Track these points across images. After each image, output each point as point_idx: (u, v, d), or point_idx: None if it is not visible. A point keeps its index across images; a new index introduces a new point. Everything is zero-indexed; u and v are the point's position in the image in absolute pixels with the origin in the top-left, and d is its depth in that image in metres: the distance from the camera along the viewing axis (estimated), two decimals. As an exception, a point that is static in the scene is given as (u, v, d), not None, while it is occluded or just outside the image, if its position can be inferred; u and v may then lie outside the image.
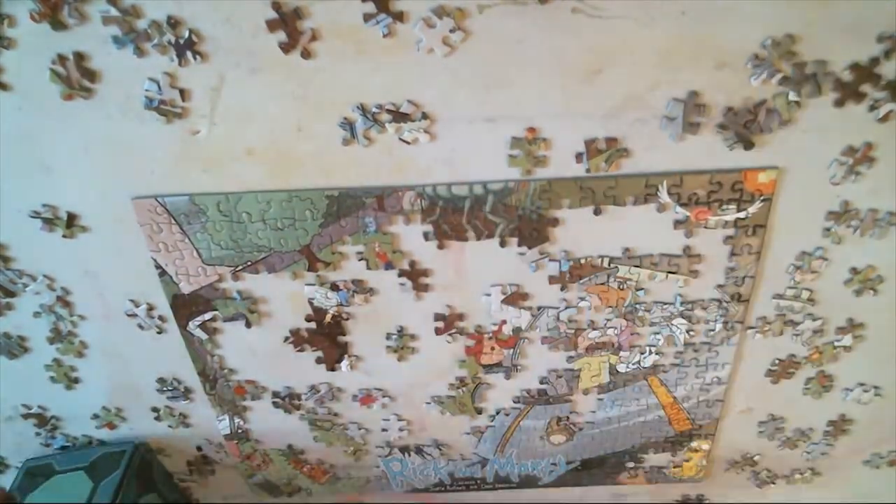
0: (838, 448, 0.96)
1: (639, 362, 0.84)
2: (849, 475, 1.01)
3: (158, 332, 0.81)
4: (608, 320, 0.79)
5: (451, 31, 0.58)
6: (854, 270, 0.75)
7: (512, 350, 0.83)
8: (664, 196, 0.68)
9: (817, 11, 0.57)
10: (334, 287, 0.77)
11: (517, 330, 0.80)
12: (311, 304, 0.78)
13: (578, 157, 0.66)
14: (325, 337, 0.82)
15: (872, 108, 0.62)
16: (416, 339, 0.82)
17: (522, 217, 0.70)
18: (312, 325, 0.80)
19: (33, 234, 0.72)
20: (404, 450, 0.97)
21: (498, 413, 0.91)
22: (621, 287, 0.76)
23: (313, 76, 0.61)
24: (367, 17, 0.58)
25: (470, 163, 0.67)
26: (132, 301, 0.79)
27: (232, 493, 1.06)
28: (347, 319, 0.80)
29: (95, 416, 0.92)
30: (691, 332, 0.80)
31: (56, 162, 0.68)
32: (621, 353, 0.83)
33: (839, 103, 0.62)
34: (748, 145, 0.65)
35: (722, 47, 0.59)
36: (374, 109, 0.63)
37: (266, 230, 0.72)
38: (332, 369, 0.85)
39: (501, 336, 0.81)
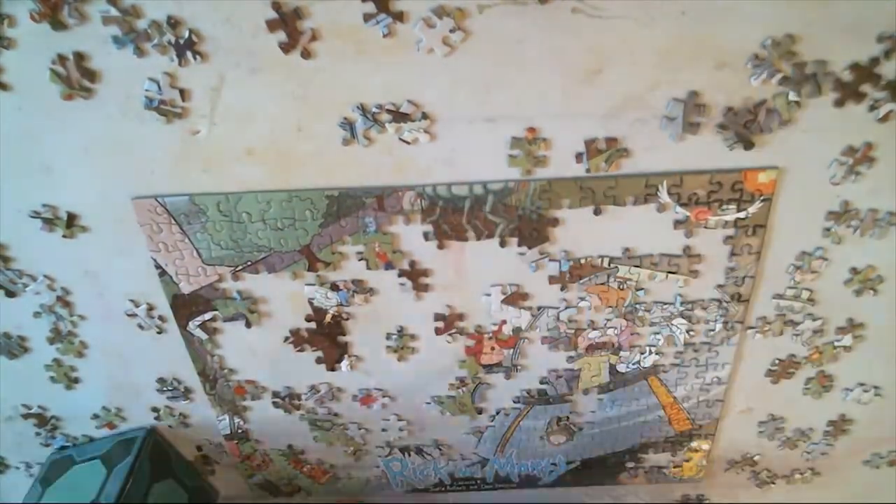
0: (838, 448, 0.96)
1: (639, 362, 0.84)
2: (849, 475, 1.01)
3: (158, 332, 0.81)
4: (608, 320, 0.79)
5: (451, 31, 0.58)
6: (854, 270, 0.75)
7: (512, 350, 0.83)
8: (664, 196, 0.68)
9: (817, 11, 0.57)
10: (334, 287, 0.77)
11: (517, 330, 0.80)
12: (311, 304, 0.78)
13: (578, 157, 0.66)
14: (325, 337, 0.82)
15: (872, 108, 0.62)
16: (416, 339, 0.82)
17: (522, 217, 0.70)
18: (312, 325, 0.80)
19: (33, 234, 0.72)
20: (404, 450, 0.97)
21: (498, 413, 0.91)
22: (621, 287, 0.76)
23: (313, 76, 0.61)
24: (367, 17, 0.58)
25: (470, 163, 0.67)
26: (132, 301, 0.79)
27: (232, 493, 1.06)
28: (347, 319, 0.80)
29: (95, 416, 0.92)
30: (691, 332, 0.80)
31: (56, 162, 0.68)
32: (621, 353, 0.83)
33: (839, 103, 0.62)
34: (748, 145, 0.65)
35: (722, 47, 0.59)
36: (374, 109, 0.63)
37: (266, 230, 0.72)
38: (332, 369, 0.85)
39: (501, 336, 0.81)
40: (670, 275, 0.75)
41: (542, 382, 0.87)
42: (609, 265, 0.74)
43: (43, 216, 0.71)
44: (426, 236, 0.72)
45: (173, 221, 0.71)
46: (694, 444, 0.96)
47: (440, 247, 0.72)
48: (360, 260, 0.74)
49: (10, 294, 0.78)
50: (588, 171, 0.67)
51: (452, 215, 0.70)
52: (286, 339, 0.82)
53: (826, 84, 0.61)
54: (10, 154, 0.67)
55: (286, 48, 0.59)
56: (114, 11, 0.58)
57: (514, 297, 0.77)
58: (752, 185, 0.67)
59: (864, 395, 0.88)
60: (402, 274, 0.75)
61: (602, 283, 0.76)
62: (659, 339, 0.81)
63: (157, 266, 0.75)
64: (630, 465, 0.99)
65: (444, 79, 0.61)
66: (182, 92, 0.63)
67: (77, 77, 0.61)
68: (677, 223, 0.70)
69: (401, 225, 0.71)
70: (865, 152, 0.65)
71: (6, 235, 0.73)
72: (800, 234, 0.72)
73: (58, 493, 0.87)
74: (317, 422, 0.92)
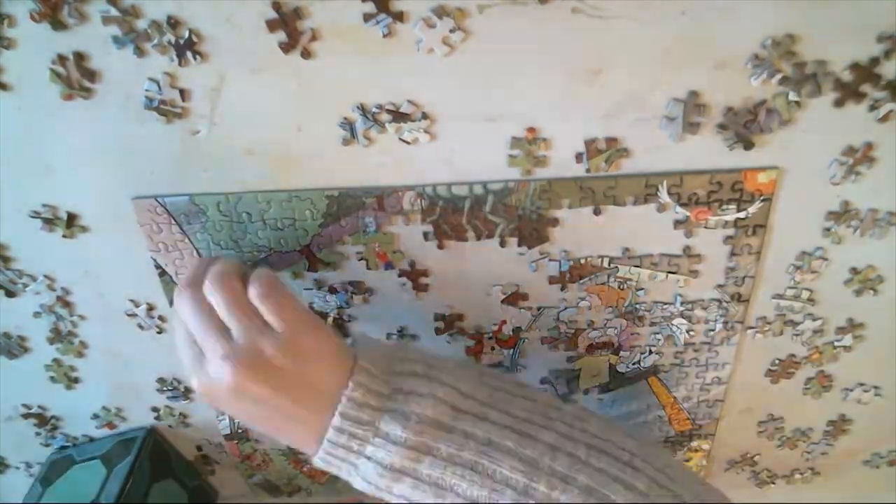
0: (838, 448, 0.96)
1: (639, 362, 0.84)
2: (849, 475, 1.01)
3: (158, 332, 0.81)
4: (608, 320, 0.79)
5: (451, 31, 0.58)
6: (854, 270, 0.75)
7: (512, 350, 0.83)
8: (664, 196, 0.68)
9: (817, 11, 0.57)
10: (332, 290, 0.77)
11: (517, 330, 0.80)
12: (311, 307, 0.78)
13: (578, 157, 0.66)
14: (327, 338, 0.82)
15: (872, 108, 0.62)
16: (416, 339, 0.82)
17: (522, 217, 0.70)
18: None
19: (33, 234, 0.72)
20: (404, 450, 0.97)
21: (498, 413, 0.91)
22: (621, 287, 0.76)
23: (313, 76, 0.61)
24: (367, 17, 0.58)
25: (470, 163, 0.67)
26: (132, 301, 0.79)
27: (232, 493, 1.06)
28: (350, 321, 0.80)
29: (95, 416, 0.92)
30: (691, 332, 0.80)
31: (56, 162, 0.68)
32: (621, 353, 0.83)
33: (839, 103, 0.62)
34: (748, 145, 0.65)
35: (722, 47, 0.59)
36: (374, 109, 0.63)
37: (266, 230, 0.72)
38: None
39: (501, 336, 0.81)
40: (670, 275, 0.75)
41: (542, 382, 0.87)
42: (609, 265, 0.74)
43: (43, 216, 0.71)
44: (426, 236, 0.72)
45: (173, 221, 0.71)
46: (694, 444, 0.96)
47: (440, 247, 0.72)
48: (360, 260, 0.74)
49: (10, 294, 0.78)
50: (588, 171, 0.67)
51: (452, 215, 0.70)
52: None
53: (826, 84, 0.61)
54: (10, 154, 0.67)
55: (286, 48, 0.59)
56: (114, 11, 0.58)
57: (514, 297, 0.77)
58: (752, 185, 0.67)
59: (864, 395, 0.88)
60: (402, 274, 0.75)
61: (602, 283, 0.76)
62: (659, 339, 0.81)
63: (157, 266, 0.75)
64: (630, 465, 0.99)
65: (444, 79, 0.61)
66: (182, 92, 0.63)
67: (77, 77, 0.61)
68: (677, 223, 0.70)
69: (401, 225, 0.71)
70: (865, 152, 0.65)
71: (6, 235, 0.73)
72: (800, 234, 0.72)
73: (58, 493, 0.87)
74: (317, 422, 0.92)
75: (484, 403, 0.57)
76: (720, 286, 0.76)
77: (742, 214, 0.69)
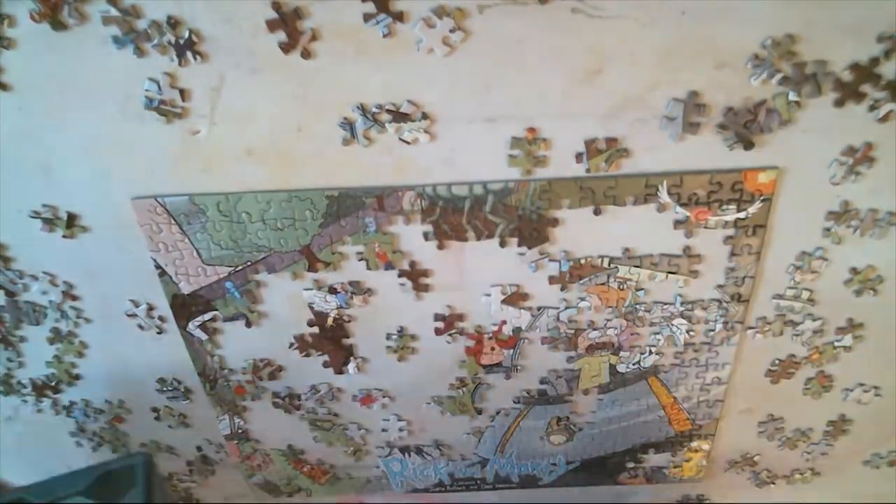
0: (838, 448, 0.96)
1: (639, 362, 0.84)
2: (849, 475, 1.01)
3: (158, 332, 0.81)
4: (608, 320, 0.79)
5: (451, 31, 0.58)
6: (854, 270, 0.74)
7: (512, 350, 0.83)
8: (664, 196, 0.68)
9: (817, 11, 0.57)
10: (332, 290, 0.77)
11: (517, 330, 0.80)
12: (311, 308, 0.78)
13: (578, 157, 0.66)
14: (330, 341, 0.81)
15: (872, 108, 0.62)
16: (417, 339, 0.82)
17: (522, 217, 0.70)
18: (315, 329, 0.80)
19: (33, 234, 0.72)
20: (404, 450, 0.97)
21: (498, 413, 0.91)
22: (621, 287, 0.76)
23: (313, 76, 0.61)
24: (367, 17, 0.58)
25: (470, 163, 0.67)
26: (132, 301, 0.79)
27: (232, 493, 1.06)
28: (349, 322, 0.80)
29: (100, 412, 0.92)
30: (691, 333, 0.80)
31: (56, 162, 0.68)
32: (621, 353, 0.83)
33: (839, 103, 0.62)
34: (748, 145, 0.65)
35: (722, 47, 0.59)
36: (374, 109, 0.63)
37: (266, 230, 0.72)
38: (340, 372, 0.85)
39: (501, 336, 0.81)
40: (670, 275, 0.75)
41: (542, 382, 0.87)
42: (609, 265, 0.74)
43: (43, 216, 0.71)
44: (426, 236, 0.72)
45: (173, 221, 0.71)
46: (694, 444, 0.96)
47: (440, 247, 0.72)
48: (360, 260, 0.74)
49: (11, 294, 0.78)
50: (588, 171, 0.67)
51: (452, 215, 0.70)
52: (291, 345, 0.82)
53: (826, 84, 0.61)
54: (10, 154, 0.67)
55: (286, 48, 0.59)
56: (114, 11, 0.58)
57: (514, 298, 0.77)
58: (752, 185, 0.67)
59: (864, 395, 0.88)
60: (402, 274, 0.75)
61: (602, 284, 0.76)
62: (659, 340, 0.81)
63: (157, 266, 0.75)
64: (630, 465, 0.99)
65: (444, 79, 0.61)
66: (182, 92, 0.62)
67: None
68: (677, 223, 0.70)
69: (401, 225, 0.71)
70: (865, 152, 0.65)
71: (6, 235, 0.73)
72: (800, 234, 0.72)
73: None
74: (317, 422, 0.92)
75: None
76: (720, 286, 0.76)
77: (742, 214, 0.69)
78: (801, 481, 1.02)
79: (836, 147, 0.65)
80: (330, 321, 0.80)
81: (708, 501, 1.08)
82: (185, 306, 0.78)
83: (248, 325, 0.80)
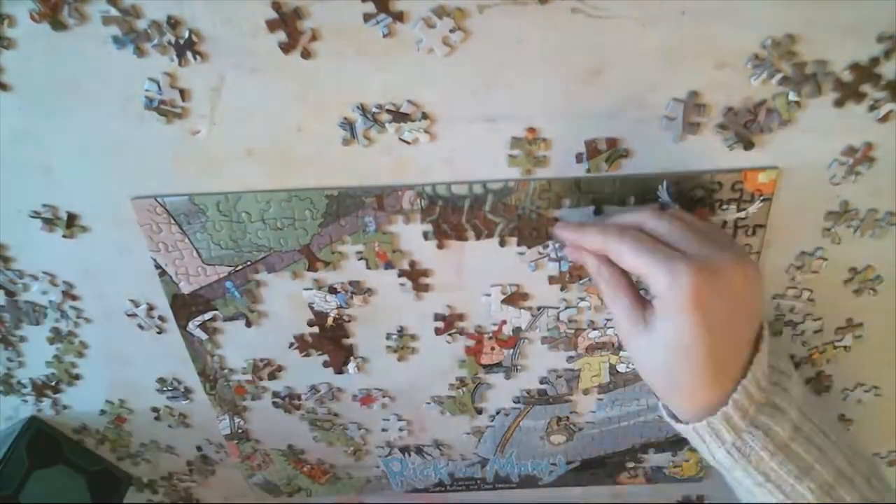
0: (838, 448, 0.96)
1: (639, 362, 0.84)
2: (849, 475, 1.01)
3: (158, 332, 0.81)
4: (608, 320, 0.79)
5: (451, 31, 0.58)
6: (854, 270, 0.75)
7: (512, 350, 0.83)
8: (664, 196, 0.68)
9: (817, 11, 0.57)
10: (332, 290, 0.77)
11: (517, 330, 0.80)
12: (311, 308, 0.78)
13: (578, 157, 0.66)
14: (330, 341, 0.82)
15: (872, 108, 0.62)
16: (416, 339, 0.82)
17: (522, 217, 0.70)
18: (315, 329, 0.80)
19: (33, 234, 0.72)
20: (404, 450, 0.97)
21: (498, 413, 0.91)
22: (621, 287, 0.76)
23: (313, 76, 0.61)
24: (367, 17, 0.58)
25: (470, 163, 0.67)
26: (132, 301, 0.79)
27: (232, 493, 1.06)
28: (349, 321, 0.80)
29: (102, 413, 0.92)
30: (691, 332, 0.80)
31: (56, 162, 0.68)
32: (621, 353, 0.83)
33: (839, 103, 0.62)
34: (748, 145, 0.65)
35: (722, 47, 0.59)
36: (374, 109, 0.63)
37: (266, 230, 0.72)
38: (340, 372, 0.85)
39: (501, 336, 0.81)
40: (670, 275, 0.74)
41: (542, 382, 0.87)
42: (609, 265, 0.74)
43: (43, 216, 0.71)
44: (426, 236, 0.72)
45: (173, 221, 0.71)
46: (694, 444, 0.96)
47: (440, 246, 0.72)
48: (359, 259, 0.74)
49: (11, 294, 0.78)
50: (588, 171, 0.67)
51: (452, 215, 0.70)
52: (291, 345, 0.82)
53: (826, 84, 0.61)
54: (10, 154, 0.67)
55: (286, 48, 0.60)
56: (114, 11, 0.58)
57: (514, 297, 0.77)
58: (752, 185, 0.67)
59: (864, 395, 0.88)
60: (401, 274, 0.75)
61: (602, 283, 0.76)
62: (659, 339, 0.81)
63: (157, 266, 0.75)
64: (630, 465, 0.99)
65: (444, 79, 0.61)
66: (182, 92, 0.63)
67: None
68: (677, 223, 0.70)
69: (400, 224, 0.71)
70: (865, 152, 0.65)
71: (6, 235, 0.73)
72: (800, 234, 0.72)
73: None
74: (317, 422, 0.92)
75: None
76: (720, 286, 0.76)
77: (742, 214, 0.69)
78: (801, 481, 1.02)
79: (836, 147, 0.65)
80: (330, 321, 0.80)
81: (708, 501, 1.08)
82: (185, 306, 0.78)
83: (248, 324, 0.80)
